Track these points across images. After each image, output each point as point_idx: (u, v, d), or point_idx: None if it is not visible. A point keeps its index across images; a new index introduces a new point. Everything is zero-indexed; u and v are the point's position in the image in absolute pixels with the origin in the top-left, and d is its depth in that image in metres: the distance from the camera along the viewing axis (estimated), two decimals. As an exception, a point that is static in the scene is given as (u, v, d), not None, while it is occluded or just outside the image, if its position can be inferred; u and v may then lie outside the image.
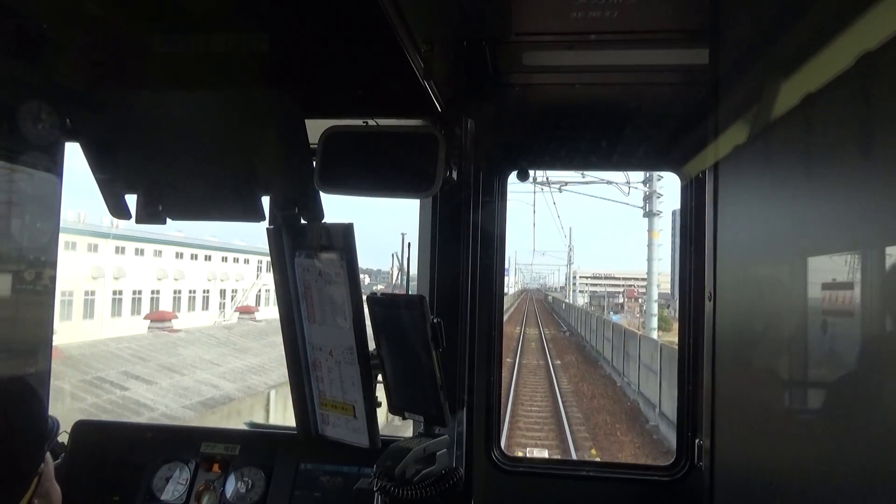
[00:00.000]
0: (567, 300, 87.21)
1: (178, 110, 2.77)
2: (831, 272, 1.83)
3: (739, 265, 2.63)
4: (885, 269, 1.55)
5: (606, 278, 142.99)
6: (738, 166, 2.54)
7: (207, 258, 60.64)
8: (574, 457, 18.12)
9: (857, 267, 1.68)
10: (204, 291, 58.20)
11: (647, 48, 2.99)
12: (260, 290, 63.52)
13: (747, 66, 2.43)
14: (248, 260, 67.01)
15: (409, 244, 3.19)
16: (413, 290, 3.17)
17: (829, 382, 1.93)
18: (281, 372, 22.74)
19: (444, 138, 2.68)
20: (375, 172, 2.82)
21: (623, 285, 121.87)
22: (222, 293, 62.00)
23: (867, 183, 1.58)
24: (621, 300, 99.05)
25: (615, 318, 54.65)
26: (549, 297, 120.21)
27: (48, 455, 1.80)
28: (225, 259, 64.31)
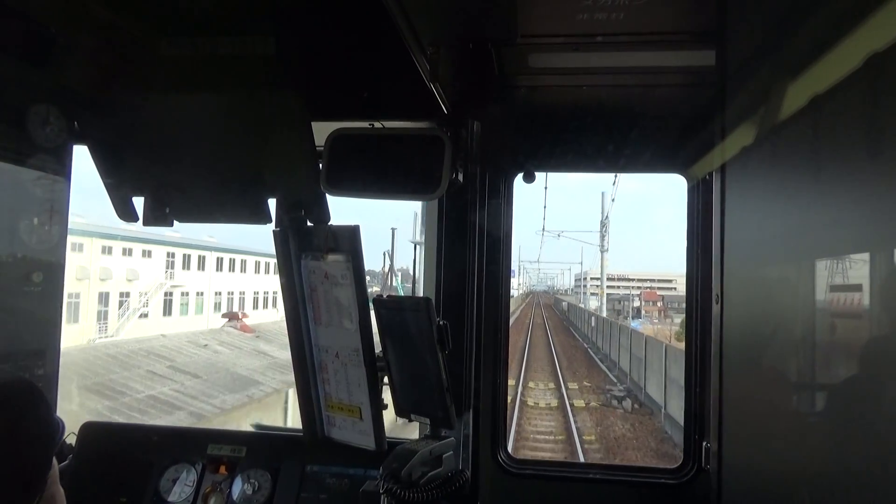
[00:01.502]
0: (597, 310, 52.06)
1: (185, 113, 2.79)
2: (840, 274, 1.83)
3: (747, 267, 2.62)
4: (894, 272, 1.54)
5: (620, 279, 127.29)
6: (746, 168, 2.53)
7: (77, 248, 40.54)
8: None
9: (866, 269, 1.68)
10: (70, 296, 37.44)
11: (654, 50, 2.99)
12: (170, 294, 48.15)
13: (754, 68, 2.43)
14: (149, 252, 47.72)
15: (416, 245, 3.18)
16: (401, 289, 3.15)
17: (838, 385, 1.92)
18: None
19: (450, 140, 2.68)
20: (381, 174, 2.82)
21: (638, 287, 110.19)
22: (103, 298, 42.95)
23: (876, 185, 1.57)
24: (637, 303, 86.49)
25: (635, 324, 43.97)
26: (564, 304, 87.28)
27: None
28: (108, 250, 43.99)
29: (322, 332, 2.86)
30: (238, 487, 3.11)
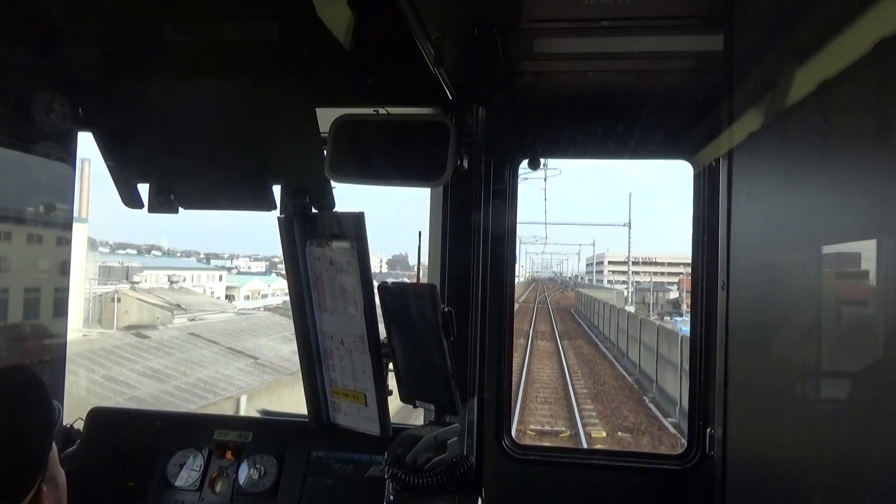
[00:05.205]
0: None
1: (189, 100, 2.78)
2: (846, 261, 1.82)
3: (753, 254, 2.62)
4: None
5: (646, 263, 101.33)
6: (753, 154, 2.52)
7: None
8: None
9: (873, 256, 1.67)
10: None
11: (660, 34, 2.96)
12: None
13: (762, 53, 2.40)
14: None
15: (420, 233, 3.18)
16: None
17: (842, 372, 1.91)
18: None
19: (454, 126, 2.67)
20: (386, 161, 2.82)
21: (669, 272, 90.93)
22: None
23: (884, 171, 1.56)
24: (674, 294, 70.20)
25: (684, 329, 28.53)
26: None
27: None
28: None
29: (327, 318, 2.86)
30: (244, 472, 3.13)
